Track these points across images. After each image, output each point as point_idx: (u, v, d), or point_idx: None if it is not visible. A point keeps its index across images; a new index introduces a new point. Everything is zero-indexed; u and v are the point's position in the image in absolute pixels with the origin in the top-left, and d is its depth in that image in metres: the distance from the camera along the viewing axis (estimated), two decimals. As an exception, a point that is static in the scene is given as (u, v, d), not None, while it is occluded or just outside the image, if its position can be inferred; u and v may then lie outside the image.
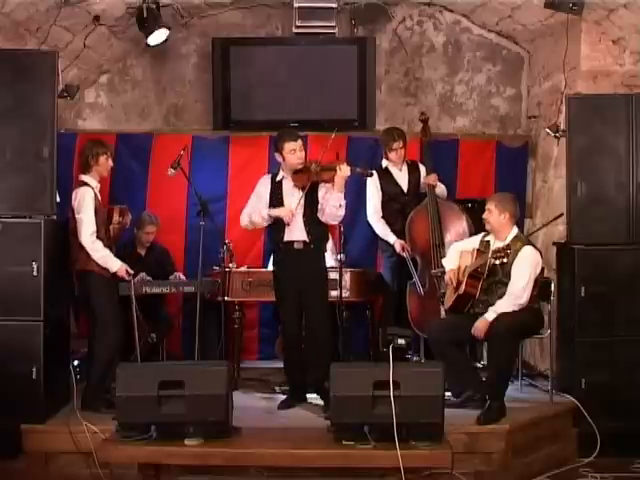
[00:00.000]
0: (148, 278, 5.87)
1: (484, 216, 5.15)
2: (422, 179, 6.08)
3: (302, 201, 5.16)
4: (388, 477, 3.96)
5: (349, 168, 5.06)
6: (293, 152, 5.17)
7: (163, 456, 3.96)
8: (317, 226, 5.22)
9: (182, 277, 6.11)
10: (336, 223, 5.30)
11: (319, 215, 5.19)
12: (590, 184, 5.30)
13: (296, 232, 5.23)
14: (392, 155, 6.05)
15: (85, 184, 5.03)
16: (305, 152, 5.28)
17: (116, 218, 5.19)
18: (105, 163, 5.10)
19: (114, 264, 5.01)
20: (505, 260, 4.89)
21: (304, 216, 5.19)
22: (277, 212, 5.22)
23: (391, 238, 5.99)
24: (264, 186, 5.38)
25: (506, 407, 4.88)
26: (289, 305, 5.32)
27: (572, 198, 5.34)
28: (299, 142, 5.19)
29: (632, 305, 5.23)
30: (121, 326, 5.08)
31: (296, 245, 5.23)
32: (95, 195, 5.02)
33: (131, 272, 5.10)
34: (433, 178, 5.97)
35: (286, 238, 5.25)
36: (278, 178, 5.32)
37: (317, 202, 5.20)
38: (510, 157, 6.86)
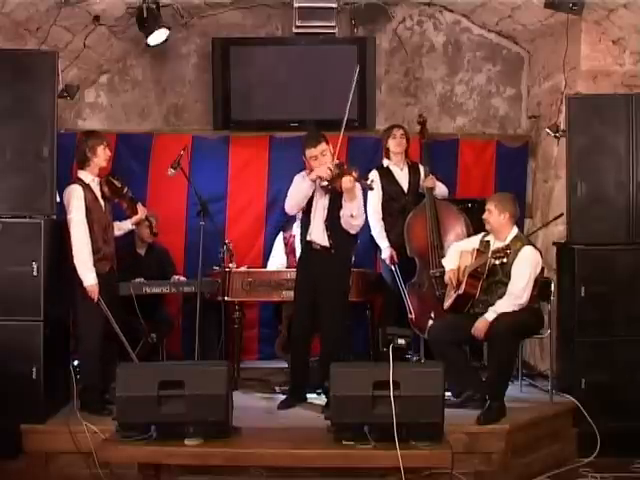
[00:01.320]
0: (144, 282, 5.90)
1: (484, 216, 5.15)
2: (421, 182, 6.08)
3: (326, 205, 5.15)
4: (388, 477, 3.96)
5: (351, 179, 4.96)
6: (314, 159, 5.09)
7: (163, 456, 3.96)
8: (341, 232, 5.17)
9: (182, 279, 6.10)
10: (354, 232, 5.20)
11: (342, 222, 5.16)
12: (590, 184, 5.30)
13: (317, 234, 5.22)
14: (392, 144, 6.04)
15: (76, 181, 4.98)
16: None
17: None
18: (103, 153, 5.03)
19: (88, 279, 4.88)
20: (505, 260, 4.89)
21: (326, 221, 5.17)
22: (313, 175, 5.09)
23: (384, 243, 5.96)
24: (301, 177, 5.28)
25: (506, 407, 4.88)
26: (300, 304, 5.32)
27: (572, 198, 5.34)
28: (319, 148, 5.07)
29: (632, 305, 5.23)
30: (103, 327, 4.97)
31: (314, 246, 5.23)
32: (89, 191, 4.96)
33: (97, 297, 4.89)
34: (431, 181, 5.97)
35: (308, 237, 5.27)
36: None
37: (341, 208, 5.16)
38: (510, 157, 6.87)
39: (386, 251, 5.94)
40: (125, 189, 5.22)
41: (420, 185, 6.08)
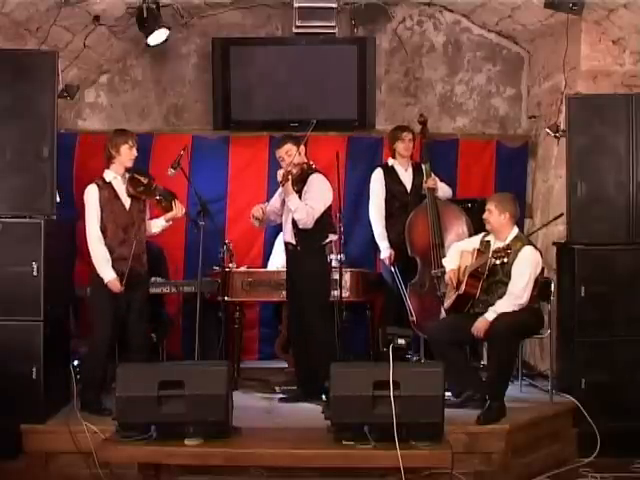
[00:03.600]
0: None
1: (484, 216, 5.15)
2: (423, 183, 6.08)
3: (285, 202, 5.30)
4: (388, 477, 3.96)
5: (280, 173, 5.21)
6: (281, 160, 5.31)
7: (163, 456, 3.97)
8: (306, 229, 5.25)
9: (159, 280, 6.07)
10: (301, 226, 5.23)
11: None
12: (590, 184, 5.30)
13: (287, 234, 5.39)
14: (399, 146, 6.05)
15: (96, 180, 4.94)
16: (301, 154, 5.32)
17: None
18: (128, 153, 4.95)
19: (106, 274, 4.87)
20: (505, 260, 4.89)
21: (293, 218, 5.26)
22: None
23: (384, 244, 5.98)
24: None
25: (506, 407, 4.87)
26: (289, 305, 5.48)
27: (572, 198, 5.34)
28: (284, 148, 5.28)
29: (632, 305, 5.22)
30: (111, 326, 4.95)
31: (289, 247, 5.39)
32: (107, 190, 4.90)
33: (121, 288, 4.87)
34: (432, 182, 5.97)
35: (284, 239, 5.44)
36: None
37: None
38: (510, 157, 6.86)
39: (385, 252, 5.95)
40: (153, 185, 5.07)
41: (423, 186, 6.08)
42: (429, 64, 6.94)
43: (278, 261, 6.31)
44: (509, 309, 4.90)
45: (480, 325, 4.92)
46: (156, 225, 5.24)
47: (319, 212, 5.24)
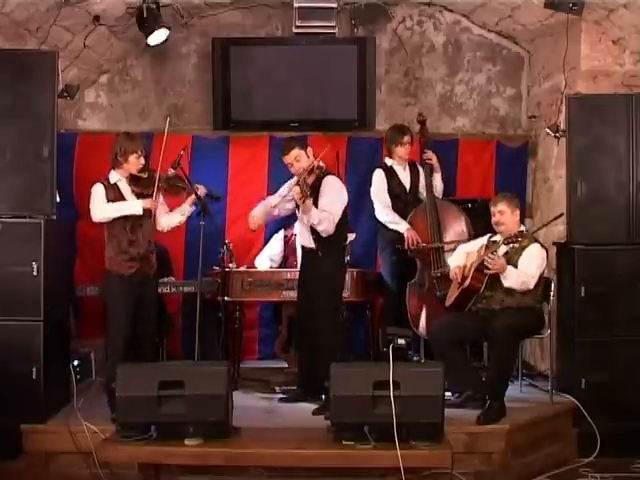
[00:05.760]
0: None
1: (495, 220, 5.08)
2: (421, 179, 6.07)
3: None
4: (388, 477, 3.97)
5: (297, 190, 5.00)
6: (291, 166, 5.24)
7: (163, 456, 3.97)
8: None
9: (172, 280, 6.07)
10: (325, 235, 5.17)
11: None
12: (590, 184, 5.30)
13: (303, 237, 5.36)
14: (400, 150, 6.01)
15: (102, 180, 4.92)
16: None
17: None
18: (135, 162, 4.93)
19: (134, 206, 4.84)
20: (516, 246, 4.90)
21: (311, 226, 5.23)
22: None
23: (402, 227, 5.86)
24: None
25: (506, 407, 4.88)
26: (297, 305, 5.46)
27: (572, 198, 5.34)
28: (292, 154, 5.18)
29: (632, 305, 5.22)
30: (129, 323, 4.90)
31: (306, 249, 5.34)
32: (113, 190, 4.88)
33: (158, 203, 4.91)
34: (433, 158, 5.97)
35: (299, 241, 5.47)
36: None
37: None
38: (510, 157, 6.87)
39: (407, 232, 5.82)
40: (155, 176, 4.99)
41: (420, 185, 6.07)
42: (429, 64, 6.93)
43: (270, 250, 6.31)
44: (516, 280, 4.89)
45: (499, 261, 4.86)
46: (182, 211, 5.18)
47: (338, 216, 5.18)
